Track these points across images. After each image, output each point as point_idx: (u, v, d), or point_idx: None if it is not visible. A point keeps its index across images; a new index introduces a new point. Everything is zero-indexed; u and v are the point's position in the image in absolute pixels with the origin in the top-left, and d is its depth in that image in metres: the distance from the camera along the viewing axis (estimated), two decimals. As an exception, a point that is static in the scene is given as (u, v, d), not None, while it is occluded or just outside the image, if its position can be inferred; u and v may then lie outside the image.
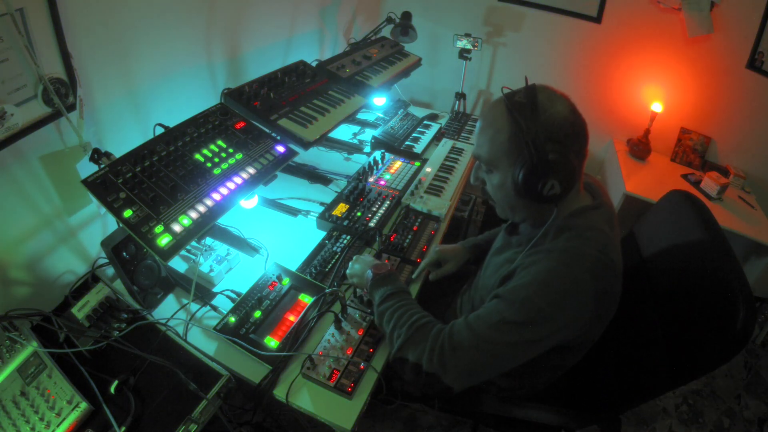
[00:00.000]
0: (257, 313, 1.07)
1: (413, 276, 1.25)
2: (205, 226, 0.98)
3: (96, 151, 1.03)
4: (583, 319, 0.82)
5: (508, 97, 0.85)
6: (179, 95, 1.39)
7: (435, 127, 2.05)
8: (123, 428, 0.85)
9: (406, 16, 2.09)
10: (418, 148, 1.87)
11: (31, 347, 0.92)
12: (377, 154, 1.73)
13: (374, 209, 1.45)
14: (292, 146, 1.26)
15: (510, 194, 0.88)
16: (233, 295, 1.14)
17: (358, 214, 1.42)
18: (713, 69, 2.16)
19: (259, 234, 1.34)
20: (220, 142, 1.16)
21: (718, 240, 0.94)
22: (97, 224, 1.23)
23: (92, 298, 1.05)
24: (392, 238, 1.35)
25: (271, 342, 1.03)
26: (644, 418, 1.81)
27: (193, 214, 0.98)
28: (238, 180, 1.09)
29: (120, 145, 1.06)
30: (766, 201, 2.18)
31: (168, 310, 1.13)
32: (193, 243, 1.05)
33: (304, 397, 0.96)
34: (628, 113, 2.45)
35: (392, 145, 1.84)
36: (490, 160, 0.89)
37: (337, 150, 1.89)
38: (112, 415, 0.86)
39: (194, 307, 1.13)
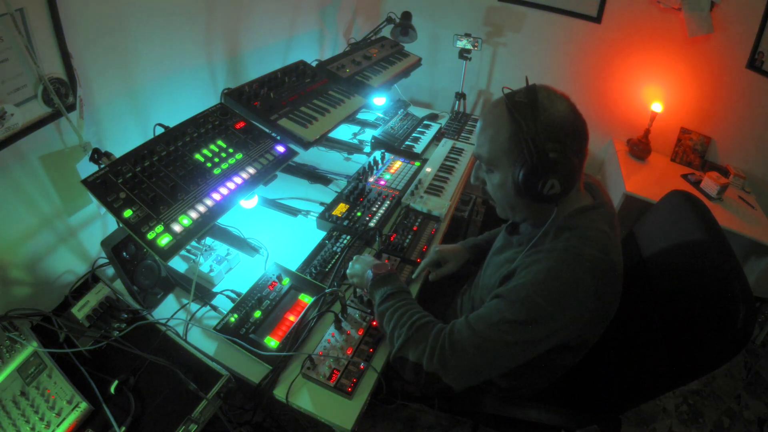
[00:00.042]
0: (257, 313, 1.07)
1: (413, 276, 1.25)
2: (205, 226, 0.98)
3: (96, 151, 1.03)
4: (584, 319, 0.82)
5: (509, 96, 0.85)
6: (179, 95, 1.39)
7: (435, 127, 2.05)
8: (123, 428, 0.85)
9: (406, 16, 2.09)
10: (418, 148, 1.87)
11: (31, 347, 0.92)
12: (377, 154, 1.73)
13: (374, 209, 1.45)
14: (292, 146, 1.26)
15: (510, 194, 0.88)
16: (233, 295, 1.14)
17: (358, 214, 1.42)
18: (713, 69, 2.16)
19: (259, 234, 1.34)
20: (220, 142, 1.16)
21: (718, 240, 0.94)
22: (97, 224, 1.23)
23: (92, 298, 1.05)
24: (392, 238, 1.35)
25: (271, 342, 1.03)
26: (644, 418, 1.81)
27: (193, 214, 0.98)
28: (238, 180, 1.09)
29: (120, 145, 1.06)
30: (766, 201, 2.18)
31: (168, 310, 1.13)
32: (193, 243, 1.05)
33: (304, 397, 0.96)
34: (628, 113, 2.45)
35: (392, 145, 1.84)
36: (491, 159, 0.89)
37: (337, 150, 1.89)
38: (112, 415, 0.86)
39: (194, 307, 1.13)
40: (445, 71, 2.68)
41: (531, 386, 1.06)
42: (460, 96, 2.45)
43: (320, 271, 1.23)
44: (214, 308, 1.12)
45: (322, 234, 1.37)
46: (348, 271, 1.12)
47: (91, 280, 1.12)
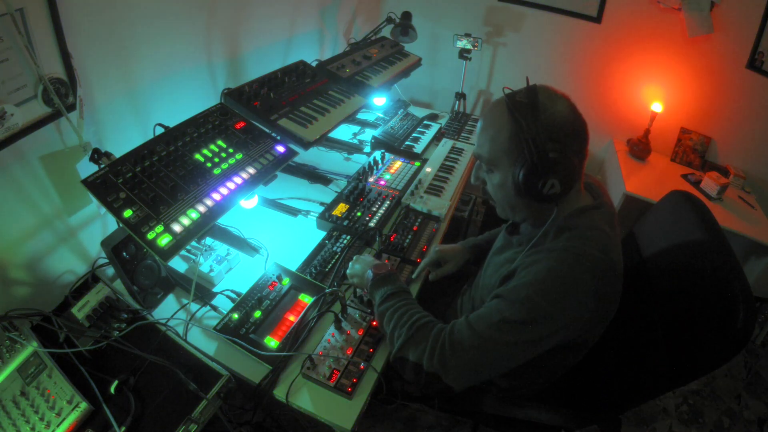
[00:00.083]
0: (257, 313, 1.07)
1: (413, 276, 1.25)
2: (205, 226, 0.98)
3: (96, 151, 1.03)
4: (584, 319, 0.82)
5: (509, 97, 0.85)
6: (179, 95, 1.39)
7: (435, 127, 2.05)
8: (123, 428, 0.85)
9: (406, 16, 2.09)
10: (418, 148, 1.87)
11: (31, 347, 0.92)
12: (377, 154, 1.73)
13: (374, 209, 1.45)
14: (292, 146, 1.26)
15: (510, 193, 0.88)
16: (233, 295, 1.14)
17: (358, 214, 1.42)
18: (713, 69, 2.16)
19: (259, 234, 1.34)
20: (220, 142, 1.16)
21: (718, 240, 0.94)
22: (97, 224, 1.23)
23: (92, 298, 1.05)
24: (392, 238, 1.35)
25: (271, 342, 1.03)
26: (644, 418, 1.81)
27: (193, 214, 0.98)
28: (238, 180, 1.09)
29: (120, 145, 1.06)
30: (766, 201, 2.18)
31: (168, 310, 1.12)
32: (193, 243, 1.05)
33: (304, 397, 0.96)
34: (628, 113, 2.45)
35: (392, 145, 1.84)
36: (491, 159, 0.89)
37: (337, 150, 1.89)
38: (112, 415, 0.86)
39: (194, 307, 1.13)
40: (445, 71, 2.68)
41: (531, 386, 1.05)
42: (460, 96, 2.45)
43: (320, 271, 1.23)
44: (214, 308, 1.12)
45: (322, 234, 1.37)
46: (348, 271, 1.12)
47: (91, 280, 1.11)
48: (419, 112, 2.22)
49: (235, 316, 1.06)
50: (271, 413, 1.43)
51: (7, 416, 0.84)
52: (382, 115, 2.11)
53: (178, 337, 1.04)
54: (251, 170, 1.13)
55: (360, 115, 2.03)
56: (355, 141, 1.92)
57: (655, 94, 2.32)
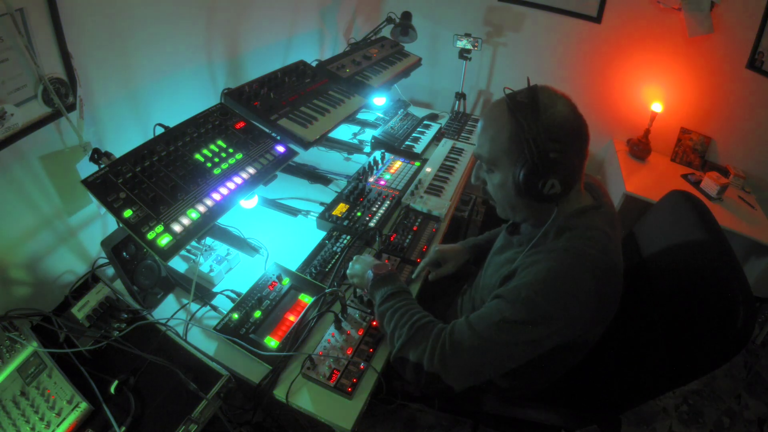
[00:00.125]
0: (257, 313, 1.07)
1: (413, 276, 1.25)
2: (205, 226, 0.98)
3: (96, 151, 1.03)
4: (584, 320, 0.82)
5: (510, 97, 0.85)
6: (179, 95, 1.39)
7: (435, 127, 2.05)
8: (123, 428, 0.85)
9: (406, 16, 2.09)
10: (418, 148, 1.87)
11: (31, 347, 0.92)
12: (377, 154, 1.73)
13: (374, 209, 1.45)
14: (292, 146, 1.26)
15: (511, 193, 0.88)
16: (233, 295, 1.14)
17: (358, 214, 1.42)
18: (713, 69, 2.16)
19: (259, 234, 1.34)
20: (220, 142, 1.16)
21: (718, 240, 0.94)
22: (97, 224, 1.23)
23: (92, 298, 1.05)
24: (392, 238, 1.35)
25: (271, 342, 1.03)
26: (644, 418, 1.81)
27: (193, 214, 0.98)
28: (238, 180, 1.09)
29: (120, 145, 1.06)
30: (766, 201, 2.18)
31: (168, 310, 1.13)
32: (193, 243, 1.05)
33: (304, 397, 0.96)
34: (628, 113, 2.45)
35: (392, 145, 1.84)
36: (492, 159, 0.89)
37: (337, 150, 1.89)
38: (112, 415, 0.86)
39: (194, 307, 1.13)
40: (445, 71, 2.68)
41: (531, 386, 1.05)
42: (460, 96, 2.45)
43: (320, 271, 1.23)
44: (214, 308, 1.12)
45: (322, 234, 1.37)
46: (348, 271, 1.12)
47: (91, 280, 1.11)
48: (419, 112, 2.22)
49: (235, 316, 1.06)
50: (271, 413, 1.43)
51: (7, 416, 0.84)
52: (382, 115, 2.11)
53: (178, 337, 1.04)
54: (251, 170, 1.13)
55: (360, 115, 2.03)
56: (355, 141, 1.92)
57: (655, 94, 2.32)
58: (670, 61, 2.23)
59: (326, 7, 2.12)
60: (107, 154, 1.03)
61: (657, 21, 2.16)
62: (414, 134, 1.98)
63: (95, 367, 0.95)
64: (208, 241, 1.28)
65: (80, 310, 1.02)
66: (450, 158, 1.83)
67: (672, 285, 1.00)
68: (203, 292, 1.16)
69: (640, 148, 2.36)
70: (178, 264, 1.26)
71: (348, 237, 1.34)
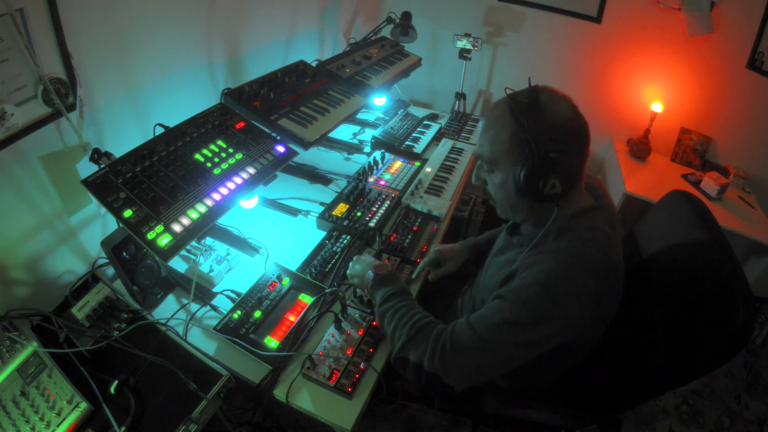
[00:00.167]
0: (257, 313, 1.07)
1: (413, 276, 1.25)
2: (205, 226, 0.98)
3: (96, 151, 1.03)
4: (585, 320, 0.82)
5: (511, 97, 0.85)
6: (179, 95, 1.38)
7: (435, 127, 2.05)
8: (123, 428, 0.85)
9: (406, 16, 2.09)
10: (418, 148, 1.87)
11: (31, 347, 0.92)
12: (377, 154, 1.73)
13: (374, 209, 1.45)
14: (292, 146, 1.26)
15: (511, 193, 0.88)
16: (233, 295, 1.14)
17: (358, 214, 1.42)
18: (713, 69, 2.16)
19: (259, 234, 1.34)
20: (220, 142, 1.16)
21: (718, 240, 0.93)
22: (97, 224, 1.23)
23: (92, 298, 1.05)
24: (392, 238, 1.35)
25: (271, 342, 1.03)
26: (644, 418, 1.81)
27: (193, 214, 0.98)
28: (238, 180, 1.09)
29: (120, 145, 1.06)
30: (766, 201, 2.18)
31: (168, 310, 1.12)
32: (193, 243, 1.05)
33: (304, 397, 0.96)
34: (628, 113, 2.45)
35: (392, 145, 1.84)
36: (492, 159, 0.89)
37: (337, 150, 1.89)
38: (112, 415, 0.86)
39: (194, 307, 1.12)
40: (445, 71, 2.68)
41: (531, 386, 1.05)
42: (460, 96, 2.45)
43: (320, 271, 1.23)
44: (214, 308, 1.12)
45: (322, 234, 1.37)
46: (348, 271, 1.12)
47: (91, 280, 1.11)
48: (419, 112, 2.22)
49: (235, 316, 1.06)
50: (271, 413, 1.43)
51: (7, 416, 0.84)
52: (382, 115, 2.11)
53: (178, 337, 1.04)
54: (251, 170, 1.13)
55: (360, 115, 2.03)
56: (355, 141, 1.92)
57: (655, 94, 2.32)
58: (670, 61, 2.23)
59: (326, 7, 2.12)
60: (107, 154, 1.03)
61: (657, 21, 2.16)
62: (414, 134, 1.98)
63: (95, 367, 0.95)
64: (208, 241, 1.28)
65: (80, 310, 1.02)
66: (450, 158, 1.83)
67: (672, 285, 1.00)
68: (203, 292, 1.16)
69: (640, 148, 2.36)
70: (178, 264, 1.26)
71: (348, 237, 1.34)
